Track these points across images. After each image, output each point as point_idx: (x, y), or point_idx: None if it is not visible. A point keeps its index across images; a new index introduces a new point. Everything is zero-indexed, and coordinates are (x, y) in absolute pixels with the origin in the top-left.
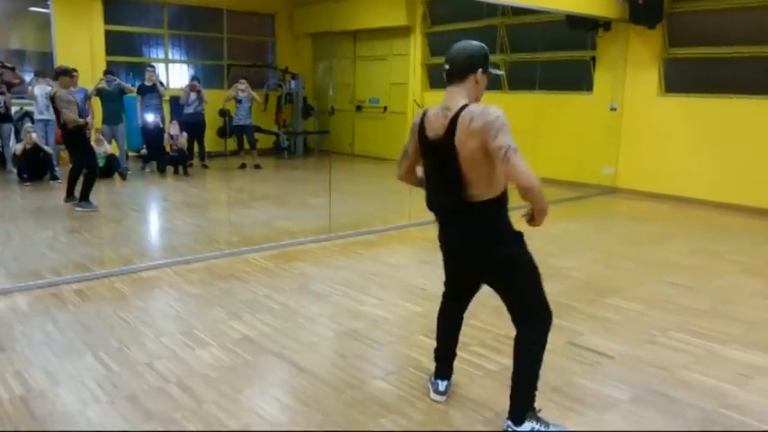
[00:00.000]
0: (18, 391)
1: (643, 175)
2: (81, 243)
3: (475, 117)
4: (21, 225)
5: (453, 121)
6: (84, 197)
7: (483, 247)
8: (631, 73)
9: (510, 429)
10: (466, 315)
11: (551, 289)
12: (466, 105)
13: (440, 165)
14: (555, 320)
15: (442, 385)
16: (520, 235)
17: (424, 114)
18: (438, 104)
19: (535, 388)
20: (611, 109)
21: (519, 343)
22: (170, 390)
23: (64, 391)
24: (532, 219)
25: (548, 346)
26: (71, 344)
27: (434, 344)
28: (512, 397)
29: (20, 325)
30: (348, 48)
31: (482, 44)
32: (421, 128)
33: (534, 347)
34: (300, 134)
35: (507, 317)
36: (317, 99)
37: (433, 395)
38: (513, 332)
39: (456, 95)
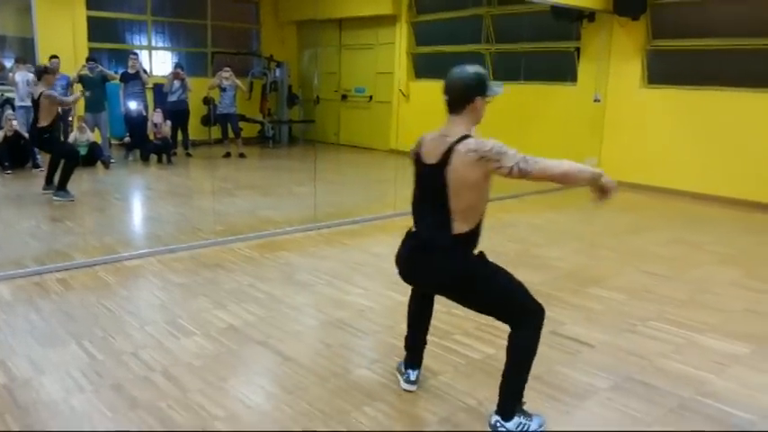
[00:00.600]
0: (1, 379)
1: (626, 166)
2: (64, 232)
3: (471, 149)
4: (2, 214)
5: (450, 149)
6: (62, 186)
7: (453, 281)
8: (615, 64)
9: (499, 425)
10: (448, 304)
11: (535, 279)
12: (467, 136)
13: (431, 193)
14: None
15: (412, 375)
16: (483, 258)
17: (422, 140)
18: (436, 131)
19: (526, 382)
20: (595, 100)
21: (512, 341)
22: (155, 379)
23: (48, 380)
24: (602, 194)
25: None
26: (55, 333)
27: None
28: (503, 392)
29: (2, 314)
30: (333, 36)
31: (478, 69)
32: (417, 154)
33: (527, 346)
34: (285, 123)
35: None
36: (302, 88)
37: (404, 385)
38: (495, 321)
39: (457, 124)
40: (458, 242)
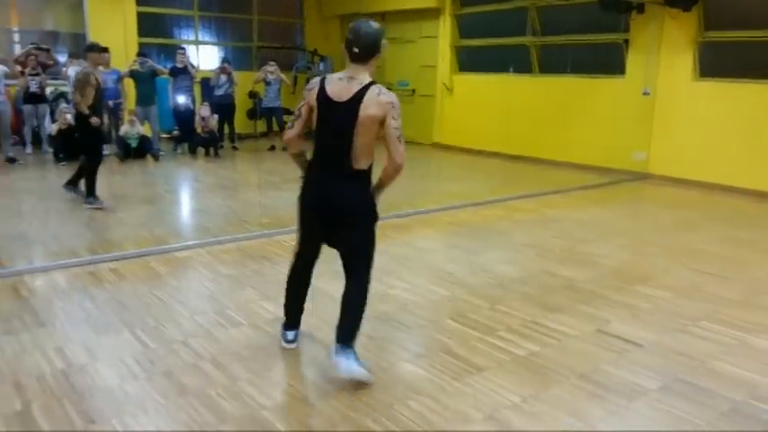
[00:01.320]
0: (59, 365)
1: (675, 161)
2: (116, 223)
3: (383, 93)
4: (58, 205)
5: (363, 90)
6: (91, 193)
7: (355, 209)
8: (665, 56)
9: (348, 351)
10: (491, 300)
11: (581, 275)
12: (374, 82)
13: (337, 126)
14: (583, 307)
15: (291, 335)
16: (375, 207)
17: (324, 79)
18: (338, 73)
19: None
20: (644, 93)
21: (357, 288)
22: (204, 366)
23: (103, 366)
24: (381, 186)
25: (575, 333)
26: (108, 321)
27: (462, 328)
28: (353, 328)
29: (59, 302)
30: None
31: (380, 26)
32: (322, 90)
33: (364, 295)
34: None
35: (534, 302)
36: None
37: (285, 344)
38: (540, 318)
39: (361, 71)
40: (360, 176)
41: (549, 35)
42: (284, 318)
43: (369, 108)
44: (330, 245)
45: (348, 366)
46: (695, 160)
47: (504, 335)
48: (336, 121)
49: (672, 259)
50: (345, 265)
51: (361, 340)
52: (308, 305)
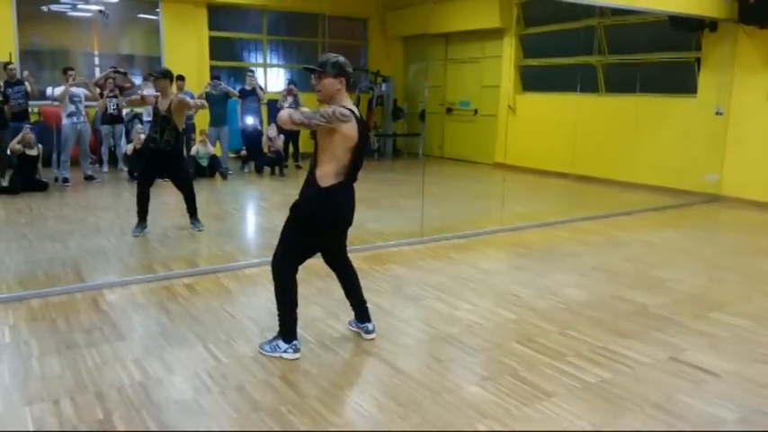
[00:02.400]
0: (138, 377)
1: (750, 183)
2: (188, 239)
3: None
4: (133, 221)
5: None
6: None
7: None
8: (740, 75)
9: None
10: (560, 325)
11: (653, 301)
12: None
13: (362, 147)
14: (656, 334)
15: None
16: None
17: (354, 112)
18: (349, 103)
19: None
20: (717, 113)
21: (353, 273)
22: (274, 383)
23: (178, 379)
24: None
25: (648, 361)
26: (183, 335)
27: (530, 352)
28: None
29: (137, 315)
30: (439, 50)
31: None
32: (359, 120)
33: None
34: (391, 136)
35: (604, 328)
36: (406, 101)
37: (295, 355)
38: (611, 344)
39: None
40: None
41: (617, 54)
42: (291, 331)
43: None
44: (329, 249)
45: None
46: None
47: (573, 360)
48: (363, 142)
49: (750, 286)
50: (336, 258)
51: (426, 361)
52: (382, 329)
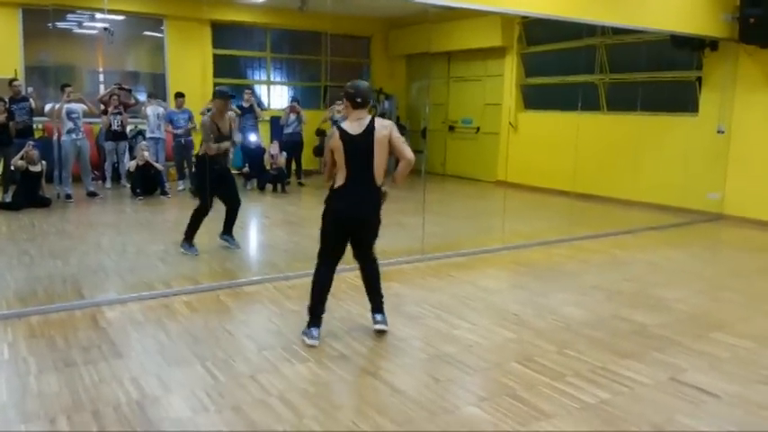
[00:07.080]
0: (135, 395)
1: (752, 202)
2: (188, 256)
3: (382, 120)
4: (135, 238)
5: (371, 123)
6: (187, 238)
7: (376, 213)
8: (741, 94)
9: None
10: (559, 345)
11: (653, 321)
12: (374, 116)
13: (363, 152)
14: (656, 354)
15: (316, 332)
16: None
17: (339, 126)
18: (347, 120)
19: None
20: (719, 132)
21: (374, 269)
22: (272, 403)
23: (175, 398)
24: (395, 181)
25: (648, 381)
26: (181, 353)
27: (529, 372)
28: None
29: (135, 333)
30: (442, 68)
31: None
32: (342, 132)
33: (378, 269)
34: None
35: (604, 348)
36: (409, 119)
37: (311, 341)
38: (610, 365)
39: (363, 114)
40: (378, 189)
41: (618, 72)
42: (312, 317)
43: (379, 132)
44: (352, 242)
45: (387, 324)
46: None
47: (572, 381)
48: (360, 148)
49: (751, 306)
50: (360, 254)
51: (424, 381)
52: (373, 343)
